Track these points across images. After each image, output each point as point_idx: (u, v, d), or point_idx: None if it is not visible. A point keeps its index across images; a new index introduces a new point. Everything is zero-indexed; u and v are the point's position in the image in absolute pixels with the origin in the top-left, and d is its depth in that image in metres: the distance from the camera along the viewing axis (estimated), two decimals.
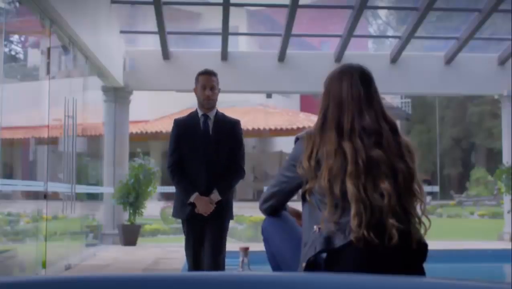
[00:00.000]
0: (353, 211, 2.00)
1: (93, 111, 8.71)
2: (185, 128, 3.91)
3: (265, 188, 2.53)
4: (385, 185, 2.03)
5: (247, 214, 11.70)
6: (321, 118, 2.20)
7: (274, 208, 2.39)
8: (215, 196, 3.78)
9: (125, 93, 9.13)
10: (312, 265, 2.04)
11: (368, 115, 2.15)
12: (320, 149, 2.12)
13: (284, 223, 2.39)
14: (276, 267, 2.37)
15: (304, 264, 2.06)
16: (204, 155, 3.81)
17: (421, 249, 2.08)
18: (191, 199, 3.76)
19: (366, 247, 1.97)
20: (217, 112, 3.95)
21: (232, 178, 3.89)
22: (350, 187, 2.02)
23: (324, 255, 2.02)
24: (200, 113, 3.93)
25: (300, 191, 2.24)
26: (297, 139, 2.26)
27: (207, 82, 3.89)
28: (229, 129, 3.92)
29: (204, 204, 3.75)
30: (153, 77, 9.15)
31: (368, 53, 11.16)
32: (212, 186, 3.78)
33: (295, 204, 2.47)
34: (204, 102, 3.87)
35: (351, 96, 2.17)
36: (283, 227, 2.38)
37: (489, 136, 23.98)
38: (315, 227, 2.09)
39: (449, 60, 9.25)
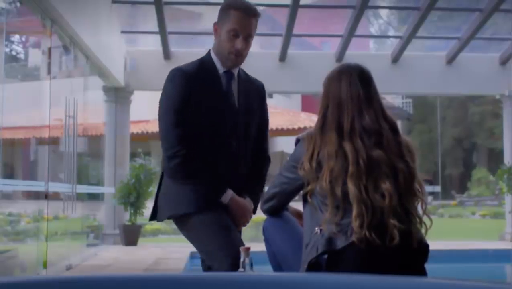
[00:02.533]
0: (354, 212, 1.99)
1: (94, 111, 8.70)
2: (200, 87, 2.39)
3: (266, 188, 2.51)
4: (386, 185, 2.03)
5: None
6: (321, 119, 2.20)
7: (275, 208, 2.39)
8: (250, 203, 2.48)
9: (126, 93, 9.12)
10: (314, 266, 2.03)
11: (368, 115, 2.14)
12: (321, 150, 2.11)
13: (285, 223, 2.38)
14: (277, 267, 2.36)
15: (305, 266, 2.05)
16: (230, 133, 2.44)
17: (422, 249, 2.07)
18: (225, 199, 2.37)
19: (368, 248, 1.96)
20: (239, 68, 2.56)
21: (264, 175, 2.62)
22: (351, 188, 2.02)
23: (325, 256, 2.02)
24: (221, 69, 2.49)
25: (301, 192, 2.24)
26: (297, 141, 2.26)
27: (243, 27, 2.40)
28: (257, 96, 2.60)
29: (245, 211, 2.42)
30: (154, 77, 9.12)
31: (369, 53, 11.15)
32: (241, 184, 2.47)
33: (296, 204, 2.47)
34: (231, 57, 2.44)
35: (350, 96, 2.17)
36: (284, 227, 2.37)
37: (490, 136, 24.00)
38: (316, 228, 2.08)
39: (450, 60, 9.24)
